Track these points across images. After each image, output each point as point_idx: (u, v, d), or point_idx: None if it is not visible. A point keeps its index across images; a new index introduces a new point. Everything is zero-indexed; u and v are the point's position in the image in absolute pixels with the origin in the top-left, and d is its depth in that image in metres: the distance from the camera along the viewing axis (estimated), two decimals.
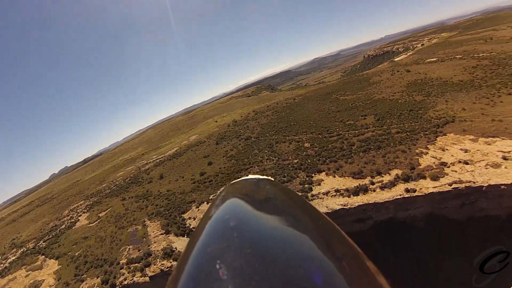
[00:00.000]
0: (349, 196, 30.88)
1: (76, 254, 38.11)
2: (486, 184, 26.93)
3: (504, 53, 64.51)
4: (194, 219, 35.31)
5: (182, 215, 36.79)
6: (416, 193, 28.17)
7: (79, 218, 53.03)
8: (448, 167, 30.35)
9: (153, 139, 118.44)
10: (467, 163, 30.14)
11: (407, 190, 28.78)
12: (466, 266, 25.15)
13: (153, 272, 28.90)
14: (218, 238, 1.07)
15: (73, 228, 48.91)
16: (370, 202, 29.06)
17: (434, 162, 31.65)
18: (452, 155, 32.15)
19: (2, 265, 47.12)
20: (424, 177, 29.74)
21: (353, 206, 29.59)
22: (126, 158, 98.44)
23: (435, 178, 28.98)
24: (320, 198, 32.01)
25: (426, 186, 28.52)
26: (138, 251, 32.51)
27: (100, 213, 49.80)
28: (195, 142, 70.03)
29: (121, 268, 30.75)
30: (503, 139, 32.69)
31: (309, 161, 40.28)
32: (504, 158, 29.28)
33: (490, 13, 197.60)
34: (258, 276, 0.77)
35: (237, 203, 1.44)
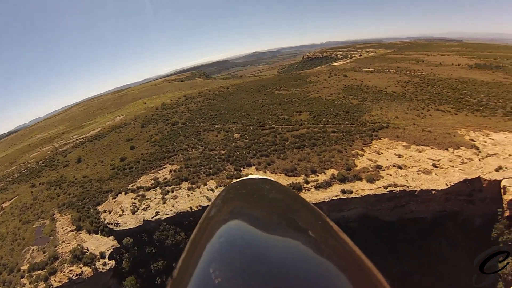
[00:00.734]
0: None
1: None
2: (418, 189, 28.58)
3: (433, 75, 74.36)
4: (110, 213, 32.45)
5: (97, 207, 34.41)
6: (353, 195, 27.94)
7: None
8: (384, 170, 31.27)
9: (77, 117, 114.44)
10: (401, 168, 31.57)
11: (343, 191, 28.32)
12: (397, 267, 26.59)
13: (59, 282, 25.76)
14: (218, 239, 1.10)
15: None
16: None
17: (370, 165, 32.30)
18: (387, 159, 33.39)
19: None
20: (360, 179, 29.91)
21: None
22: (44, 137, 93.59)
23: (371, 180, 29.32)
24: None
25: (363, 188, 28.60)
26: (43, 253, 29.33)
27: (3, 202, 44.86)
28: (120, 123, 69.02)
29: (22, 277, 27.01)
30: (432, 148, 35.78)
31: (238, 153, 38.41)
32: (434, 166, 31.87)
33: (423, 40, 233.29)
34: (258, 276, 0.83)
35: (237, 203, 1.52)
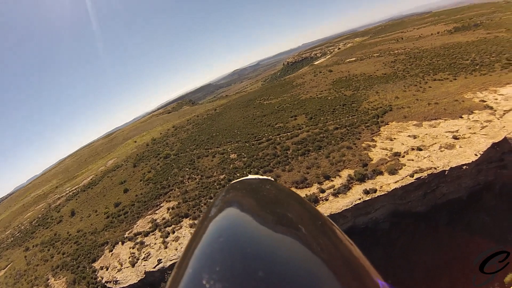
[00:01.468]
0: None
1: None
2: (448, 168, 25.61)
3: (417, 48, 73.36)
4: (107, 269, 29.57)
5: (93, 264, 31.97)
6: (378, 193, 24.90)
7: None
8: (403, 156, 28.41)
9: (70, 168, 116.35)
10: (420, 149, 28.77)
11: (366, 192, 25.25)
12: (438, 256, 24.61)
13: None
14: (218, 239, 1.12)
15: None
16: (325, 214, 24.60)
17: (387, 154, 29.47)
18: (403, 144, 30.68)
19: None
20: (381, 173, 26.92)
21: None
22: (38, 194, 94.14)
23: (393, 171, 26.36)
24: None
25: (387, 183, 25.53)
26: None
27: None
28: (113, 167, 69.07)
29: None
30: (446, 119, 33.21)
31: (238, 174, 35.71)
32: (455, 138, 29.14)
33: (395, 20, 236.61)
34: (258, 276, 0.84)
35: (237, 204, 1.51)
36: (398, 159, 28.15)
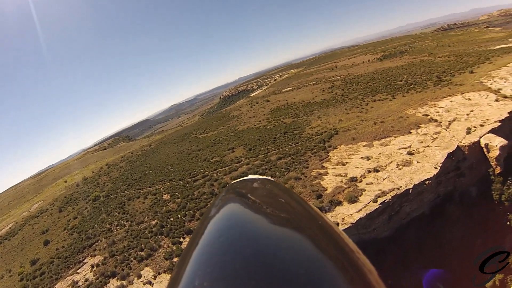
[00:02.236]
0: None
1: None
2: (411, 186, 24.34)
3: (352, 74, 77.17)
4: None
5: None
6: (341, 227, 21.13)
7: None
8: (361, 181, 25.85)
9: None
10: (377, 171, 26.60)
11: None
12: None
13: None
14: (218, 239, 1.14)
15: None
16: None
17: (342, 181, 26.52)
18: (357, 167, 28.19)
19: None
20: (340, 203, 23.72)
21: None
22: None
23: (353, 199, 23.27)
24: None
25: (349, 213, 22.21)
26: None
27: None
28: (36, 212, 63.04)
29: None
30: (396, 137, 32.26)
31: (172, 219, 31.88)
32: (410, 154, 28.37)
33: (327, 53, 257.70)
34: (258, 276, 0.85)
35: (237, 204, 1.52)
36: (356, 185, 25.32)
